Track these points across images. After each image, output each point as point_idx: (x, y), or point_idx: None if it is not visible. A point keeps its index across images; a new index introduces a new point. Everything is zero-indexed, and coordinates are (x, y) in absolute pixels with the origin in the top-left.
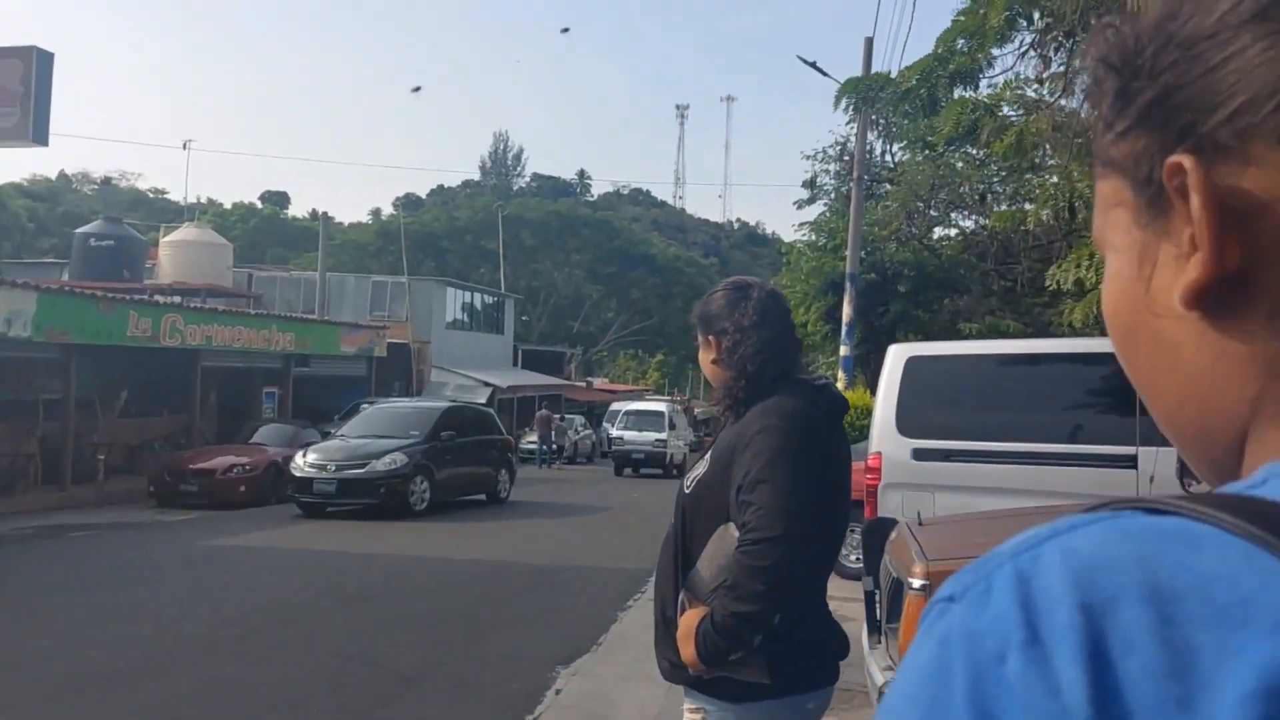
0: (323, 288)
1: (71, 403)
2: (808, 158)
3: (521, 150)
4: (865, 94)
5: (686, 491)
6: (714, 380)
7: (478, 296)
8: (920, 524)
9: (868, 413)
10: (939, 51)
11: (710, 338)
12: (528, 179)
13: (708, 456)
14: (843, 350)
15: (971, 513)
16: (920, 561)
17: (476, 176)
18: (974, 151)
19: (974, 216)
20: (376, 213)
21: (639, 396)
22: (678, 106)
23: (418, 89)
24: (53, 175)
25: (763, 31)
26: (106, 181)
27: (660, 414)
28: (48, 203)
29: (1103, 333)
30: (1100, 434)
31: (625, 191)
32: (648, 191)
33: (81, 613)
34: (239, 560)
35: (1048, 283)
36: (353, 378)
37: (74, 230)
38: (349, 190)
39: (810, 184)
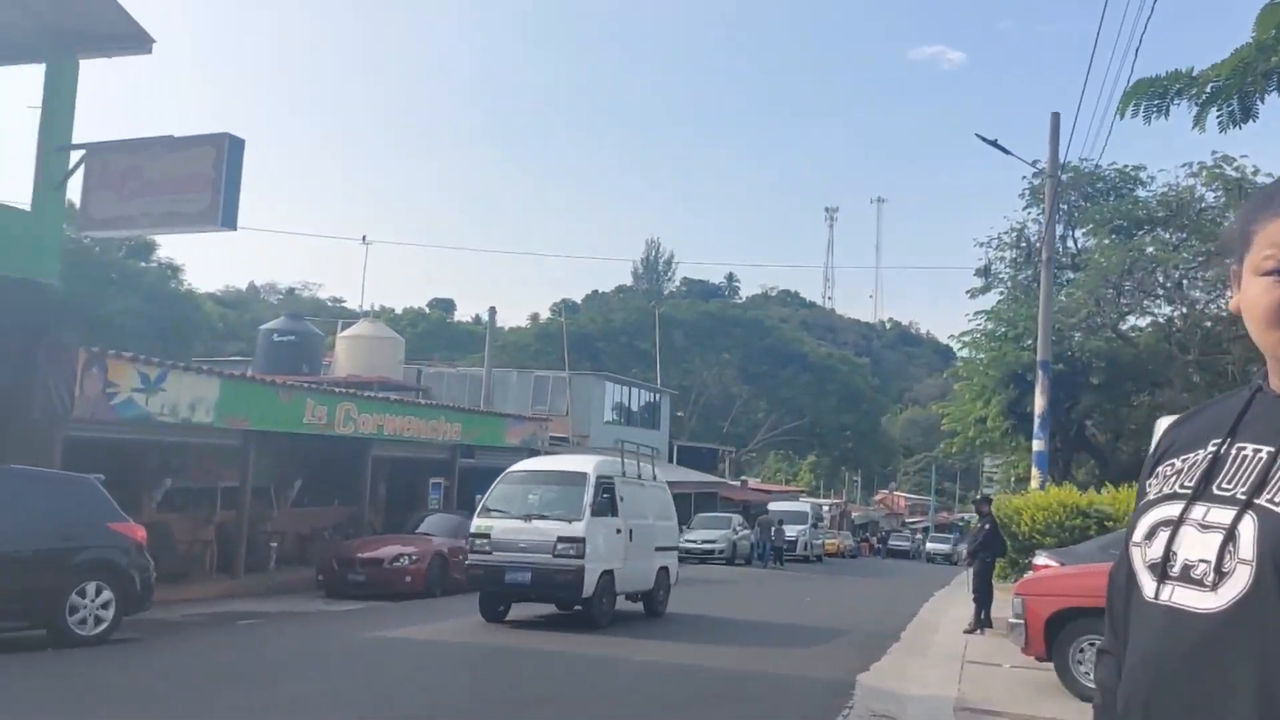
0: (488, 381)
1: (248, 491)
2: (981, 244)
3: (672, 255)
4: (1158, 97)
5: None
6: None
7: (634, 393)
8: None
9: (1079, 512)
10: (1260, 39)
11: None
12: (678, 283)
13: (1253, 555)
14: (1036, 445)
15: None
16: None
17: (629, 281)
18: (1167, 236)
19: (1171, 304)
20: (535, 317)
21: (792, 498)
22: (826, 209)
23: None
24: (243, 286)
25: (915, 132)
26: (290, 291)
27: (580, 476)
28: (236, 309)
29: None
30: None
31: (773, 293)
32: (796, 292)
33: (240, 705)
34: (406, 655)
35: None
36: None
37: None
38: (508, 296)
39: (985, 271)
